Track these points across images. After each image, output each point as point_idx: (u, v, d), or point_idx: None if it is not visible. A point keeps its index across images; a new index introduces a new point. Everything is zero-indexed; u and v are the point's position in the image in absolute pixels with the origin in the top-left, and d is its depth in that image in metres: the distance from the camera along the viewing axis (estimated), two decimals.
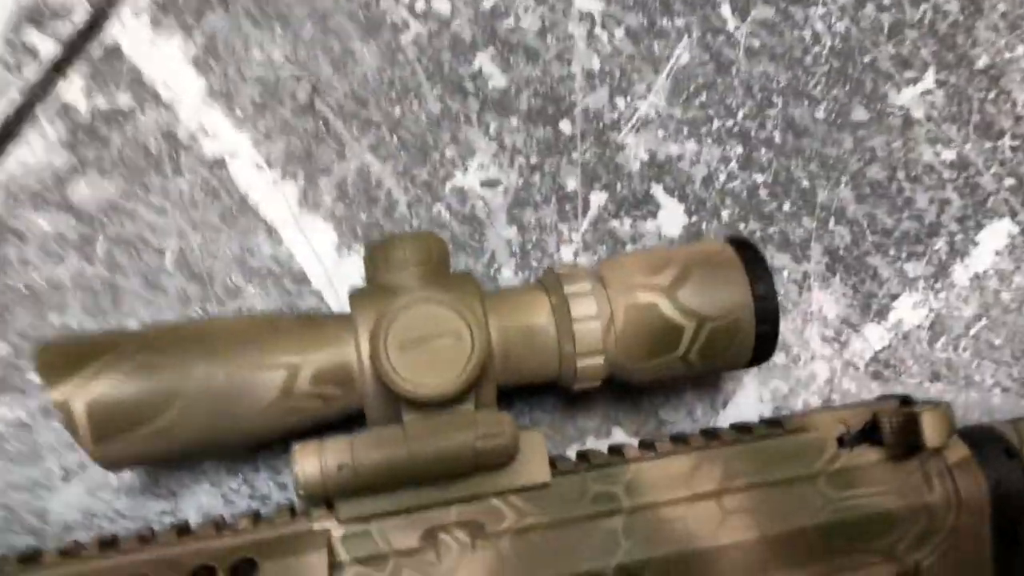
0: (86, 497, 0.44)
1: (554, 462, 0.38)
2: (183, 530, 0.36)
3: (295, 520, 0.36)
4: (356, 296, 0.38)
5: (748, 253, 0.39)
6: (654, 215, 0.50)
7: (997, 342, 0.52)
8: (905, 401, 0.43)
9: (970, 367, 0.52)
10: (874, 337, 0.51)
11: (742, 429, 0.41)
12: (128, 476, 0.44)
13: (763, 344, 0.39)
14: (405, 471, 0.35)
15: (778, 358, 0.50)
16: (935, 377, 0.52)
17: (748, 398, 0.50)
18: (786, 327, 0.50)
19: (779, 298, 0.44)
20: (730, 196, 0.51)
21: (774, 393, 0.50)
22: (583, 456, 0.40)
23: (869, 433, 0.41)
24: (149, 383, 0.34)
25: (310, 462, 0.34)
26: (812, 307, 0.51)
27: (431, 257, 0.38)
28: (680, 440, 0.40)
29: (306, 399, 0.36)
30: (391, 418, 0.36)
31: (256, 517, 0.37)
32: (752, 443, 0.40)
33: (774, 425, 0.41)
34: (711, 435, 0.40)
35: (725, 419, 0.50)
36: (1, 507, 0.43)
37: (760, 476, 0.39)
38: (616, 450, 0.40)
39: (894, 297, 0.52)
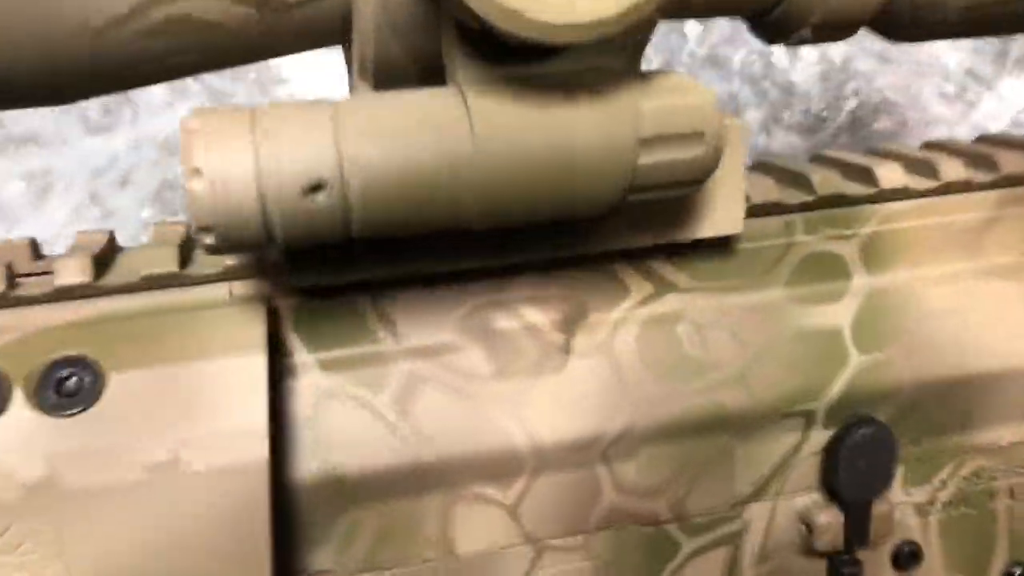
0: None
1: None
2: None
3: (191, 281, 0.18)
4: None
5: None
6: None
7: None
8: None
9: None
10: (1013, 95, 0.39)
11: None
12: None
13: None
14: (453, 201, 0.15)
15: (880, 123, 0.38)
16: None
17: None
18: (891, 81, 0.39)
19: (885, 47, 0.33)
20: None
21: None
22: (791, 175, 0.21)
23: None
24: None
25: (229, 162, 0.14)
26: (923, 56, 0.39)
27: None
28: (976, 160, 0.22)
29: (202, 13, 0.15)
30: (413, 78, 0.16)
31: (102, 262, 0.18)
32: None
33: None
34: None
35: None
36: None
37: None
38: (857, 169, 0.21)
39: None
